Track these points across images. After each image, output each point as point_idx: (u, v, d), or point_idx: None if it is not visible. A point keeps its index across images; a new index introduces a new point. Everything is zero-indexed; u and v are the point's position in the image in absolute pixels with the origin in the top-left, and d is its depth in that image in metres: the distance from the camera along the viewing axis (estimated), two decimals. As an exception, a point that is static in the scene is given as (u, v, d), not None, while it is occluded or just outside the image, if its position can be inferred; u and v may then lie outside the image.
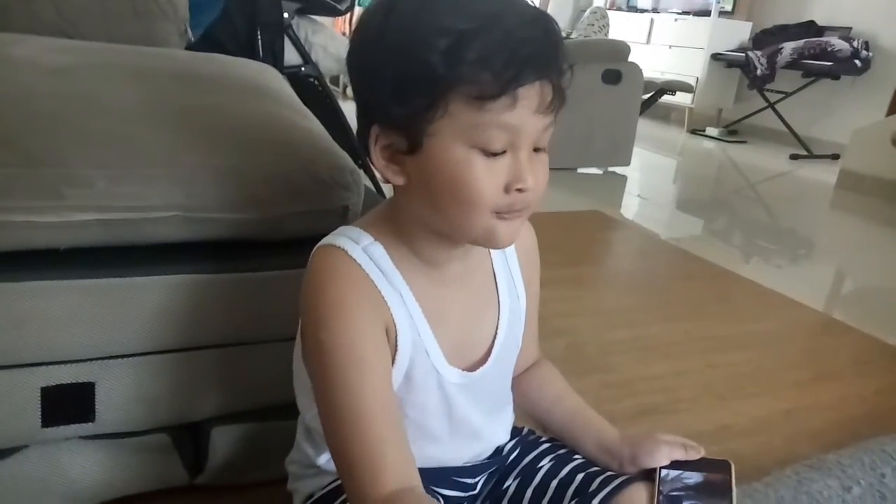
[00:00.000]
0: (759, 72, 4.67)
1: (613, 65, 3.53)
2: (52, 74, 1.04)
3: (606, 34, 4.48)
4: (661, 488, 0.73)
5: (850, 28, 4.70)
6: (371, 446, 0.62)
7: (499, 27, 0.57)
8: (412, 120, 0.59)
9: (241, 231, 0.89)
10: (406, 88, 0.58)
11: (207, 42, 1.90)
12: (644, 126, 4.30)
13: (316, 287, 0.65)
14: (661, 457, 0.76)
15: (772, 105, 4.81)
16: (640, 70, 3.65)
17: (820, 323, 1.96)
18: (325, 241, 0.69)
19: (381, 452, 0.62)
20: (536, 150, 0.63)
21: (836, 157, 4.42)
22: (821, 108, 4.82)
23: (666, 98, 4.49)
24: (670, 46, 5.52)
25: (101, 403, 0.86)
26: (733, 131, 5.25)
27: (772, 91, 4.78)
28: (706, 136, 5.27)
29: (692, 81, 5.15)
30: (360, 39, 0.64)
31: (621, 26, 5.52)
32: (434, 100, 0.58)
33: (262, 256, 0.91)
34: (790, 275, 2.49)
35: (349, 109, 1.10)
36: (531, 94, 0.59)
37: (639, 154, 3.94)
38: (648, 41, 5.68)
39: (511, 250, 0.78)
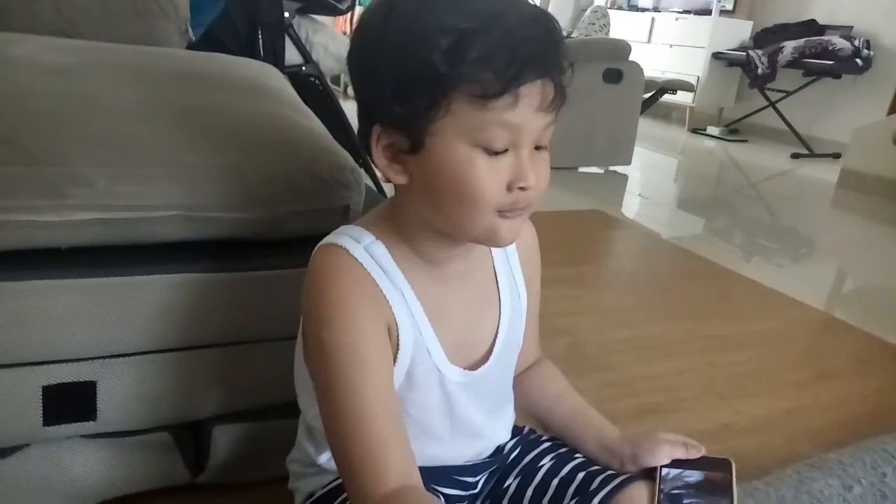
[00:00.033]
0: (760, 71, 4.66)
1: (614, 64, 3.53)
2: (53, 74, 1.04)
3: (607, 33, 4.47)
4: (661, 487, 0.73)
5: (852, 27, 4.70)
6: (372, 446, 0.62)
7: (500, 26, 0.57)
8: (414, 119, 0.59)
9: (242, 230, 0.89)
10: (407, 88, 0.58)
11: (208, 41, 1.90)
12: (645, 125, 4.30)
13: (318, 286, 0.65)
14: (661, 456, 0.76)
15: (773, 104, 4.81)
16: (641, 69, 3.64)
17: (821, 322, 1.96)
18: (326, 240, 0.69)
19: (382, 452, 0.62)
20: (538, 148, 0.63)
21: (837, 155, 4.42)
22: (822, 107, 4.82)
23: (667, 97, 4.49)
24: (671, 45, 5.52)
25: (102, 402, 0.86)
26: (734, 130, 5.24)
27: (773, 90, 4.77)
28: (707, 135, 5.27)
29: (693, 80, 5.15)
30: (361, 39, 0.64)
31: (622, 25, 5.52)
32: (436, 99, 0.58)
33: (263, 256, 0.91)
34: (791, 274, 2.48)
35: (350, 109, 1.10)
36: (533, 93, 0.59)
37: (640, 153, 3.94)
38: (649, 40, 5.68)
39: (512, 249, 0.78)
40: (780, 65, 4.61)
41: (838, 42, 4.50)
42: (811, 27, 4.88)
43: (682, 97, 5.11)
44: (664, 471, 0.75)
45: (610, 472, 0.77)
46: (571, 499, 0.75)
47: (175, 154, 0.88)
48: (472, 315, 0.75)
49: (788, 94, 4.73)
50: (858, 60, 4.48)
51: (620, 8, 6.20)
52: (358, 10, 3.75)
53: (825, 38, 4.60)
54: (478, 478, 0.80)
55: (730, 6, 5.45)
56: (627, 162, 3.70)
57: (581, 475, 0.77)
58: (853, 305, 2.27)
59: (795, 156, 4.61)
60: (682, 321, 1.84)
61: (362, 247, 0.66)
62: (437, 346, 0.70)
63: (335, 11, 2.59)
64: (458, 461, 0.78)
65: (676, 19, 5.57)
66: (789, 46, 4.60)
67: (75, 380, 0.84)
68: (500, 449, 0.82)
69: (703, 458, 0.77)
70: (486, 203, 0.61)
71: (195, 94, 1.07)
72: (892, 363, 1.70)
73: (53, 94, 0.95)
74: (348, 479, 0.64)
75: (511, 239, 0.65)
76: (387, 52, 0.59)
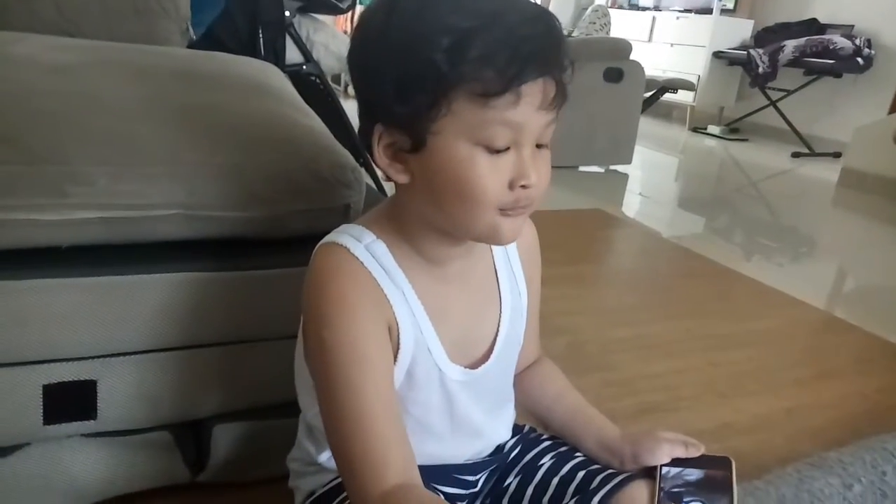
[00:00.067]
0: (760, 70, 4.66)
1: (615, 63, 3.53)
2: (54, 73, 1.04)
3: (608, 32, 4.47)
4: (662, 486, 0.73)
5: (853, 26, 4.70)
6: (372, 445, 0.62)
7: (501, 25, 0.57)
8: (415, 118, 0.59)
9: (242, 229, 0.89)
10: (409, 87, 0.58)
11: (209, 40, 1.90)
12: (646, 124, 4.30)
13: (318, 285, 0.66)
14: (661, 454, 0.76)
15: (773, 103, 4.80)
16: (642, 68, 3.64)
17: (821, 321, 1.96)
18: (327, 238, 0.69)
19: (382, 451, 0.62)
20: (539, 146, 0.63)
21: (837, 155, 4.42)
22: (822, 106, 4.82)
23: (667, 96, 4.49)
24: (672, 44, 5.51)
25: (102, 401, 0.87)
26: (735, 129, 5.24)
27: (774, 89, 4.77)
28: (708, 134, 5.27)
29: (694, 79, 5.15)
30: (362, 38, 0.64)
31: (623, 24, 5.52)
32: (437, 98, 0.58)
33: (263, 255, 0.91)
34: (792, 273, 2.48)
35: (350, 108, 1.10)
36: (534, 91, 0.59)
37: (640, 152, 3.94)
38: (650, 39, 5.67)
39: (513, 247, 0.78)
40: (780, 64, 4.61)
41: (839, 41, 4.50)
42: (812, 26, 4.88)
43: (683, 96, 5.10)
44: (664, 469, 0.75)
45: (610, 470, 0.77)
46: (572, 497, 0.76)
47: (176, 153, 0.88)
48: (473, 314, 0.75)
49: (789, 93, 4.73)
50: (859, 59, 4.48)
51: (621, 7, 6.20)
52: (358, 8, 3.75)
53: (826, 37, 4.60)
54: (478, 476, 0.80)
55: (731, 5, 5.45)
56: (628, 161, 3.70)
57: (581, 474, 0.77)
58: (854, 304, 2.27)
59: (796, 155, 4.60)
60: (682, 320, 1.84)
61: (363, 245, 0.67)
62: (437, 344, 0.70)
63: (336, 10, 2.59)
64: (459, 460, 0.78)
65: (677, 18, 5.57)
66: (790, 45, 4.59)
67: (76, 378, 0.84)
68: (500, 448, 0.82)
69: (702, 456, 0.77)
70: (488, 201, 0.61)
71: (196, 92, 1.07)
72: (893, 362, 1.70)
73: (54, 93, 0.95)
74: (348, 477, 0.64)
75: (513, 237, 0.66)
76: (388, 51, 0.59)
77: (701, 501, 0.71)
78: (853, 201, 3.61)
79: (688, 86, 4.72)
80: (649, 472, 0.75)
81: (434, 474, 0.72)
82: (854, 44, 4.48)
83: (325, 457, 0.75)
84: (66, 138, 0.85)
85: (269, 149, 0.94)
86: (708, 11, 5.38)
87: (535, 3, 0.61)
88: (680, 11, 5.64)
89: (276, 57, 2.11)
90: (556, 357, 0.91)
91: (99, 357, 0.85)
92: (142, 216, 0.83)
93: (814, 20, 4.90)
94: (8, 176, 0.78)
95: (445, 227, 0.66)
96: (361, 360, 0.63)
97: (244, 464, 0.98)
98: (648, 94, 4.08)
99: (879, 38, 4.57)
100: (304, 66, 2.24)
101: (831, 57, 4.48)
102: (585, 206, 2.91)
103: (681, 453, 0.76)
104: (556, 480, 0.78)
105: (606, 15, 4.51)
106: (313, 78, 2.26)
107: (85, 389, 0.85)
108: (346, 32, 4.48)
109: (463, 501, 0.79)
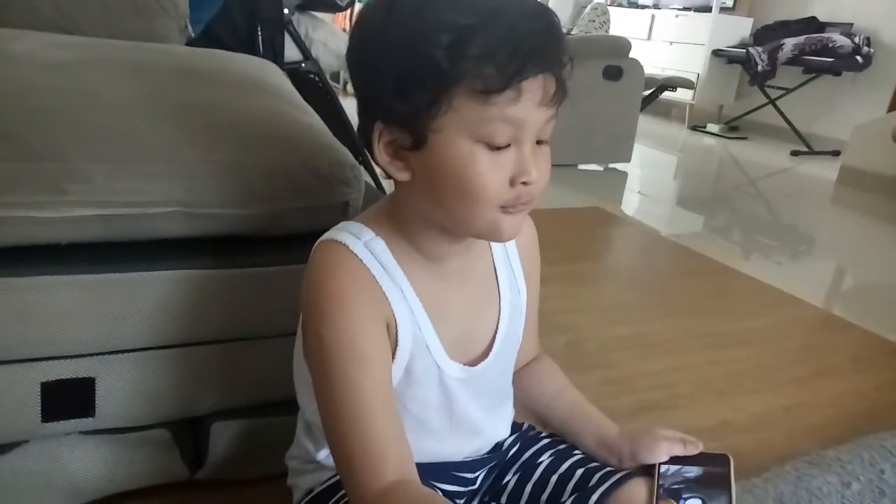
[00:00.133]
0: (759, 68, 4.66)
1: (614, 61, 3.53)
2: (52, 70, 1.03)
3: (607, 30, 4.47)
4: (660, 483, 0.73)
5: (852, 24, 4.70)
6: (370, 442, 0.62)
7: (501, 21, 0.57)
8: (416, 116, 0.59)
9: (241, 226, 0.89)
10: (409, 85, 0.58)
11: (207, 38, 1.90)
12: (645, 122, 4.30)
13: (317, 282, 0.66)
14: (660, 452, 0.76)
15: (773, 101, 4.80)
16: (641, 66, 3.64)
17: (820, 319, 1.97)
18: (326, 236, 0.69)
19: (380, 448, 0.62)
20: (539, 142, 0.63)
21: (836, 153, 4.42)
22: (822, 105, 4.82)
23: (667, 94, 4.48)
24: (671, 42, 5.51)
25: (101, 398, 0.86)
26: (734, 128, 5.24)
27: (773, 87, 4.77)
28: (707, 132, 5.27)
29: (693, 78, 5.15)
30: (361, 36, 0.63)
31: (622, 22, 5.52)
32: (437, 95, 0.58)
33: (262, 252, 0.91)
34: (790, 271, 2.49)
35: (349, 106, 1.10)
36: (535, 87, 0.59)
37: (639, 150, 3.94)
38: (649, 37, 5.67)
39: (512, 245, 0.78)
40: (780, 62, 4.61)
41: (838, 39, 4.50)
42: (811, 24, 4.88)
43: (682, 94, 5.10)
44: (663, 467, 0.75)
45: (609, 468, 0.77)
46: (570, 495, 0.76)
47: (174, 150, 0.88)
48: (472, 311, 0.75)
49: (788, 91, 4.73)
50: (858, 58, 4.48)
51: (620, 5, 6.20)
52: (357, 6, 3.75)
53: (825, 35, 4.60)
54: (477, 474, 0.80)
55: (730, 3, 5.44)
56: (627, 159, 3.70)
57: (580, 472, 0.77)
58: (852, 303, 2.27)
59: (795, 153, 4.60)
60: (681, 318, 1.84)
61: (362, 243, 0.66)
62: (436, 342, 0.70)
63: (335, 8, 2.59)
64: (458, 457, 0.78)
65: (676, 16, 5.57)
66: (789, 43, 4.59)
67: (74, 376, 0.84)
68: (499, 445, 0.82)
69: (701, 454, 0.77)
70: (489, 199, 0.61)
71: (194, 90, 1.07)
72: (891, 360, 1.70)
73: (53, 90, 0.95)
74: (346, 475, 0.64)
75: (513, 234, 0.66)
76: (388, 48, 0.59)
77: (700, 499, 0.71)
78: (852, 199, 3.62)
79: (687, 84, 4.72)
80: (648, 470, 0.76)
81: (433, 472, 0.72)
82: (853, 42, 4.48)
83: (324, 454, 0.75)
84: (64, 135, 0.85)
85: (268, 146, 0.94)
86: (707, 9, 5.37)
87: (535, 0, 0.61)
88: (679, 9, 5.64)
89: (275, 54, 2.11)
90: (556, 355, 0.91)
91: (97, 354, 0.85)
92: (140, 213, 0.83)
93: (813, 18, 4.90)
94: (7, 173, 0.78)
95: (446, 224, 0.66)
96: (360, 357, 0.64)
97: (242, 461, 0.98)
98: (647, 93, 4.08)
99: (878, 37, 4.57)
100: (303, 64, 2.24)
101: (830, 55, 4.48)
102: (584, 204, 2.91)
103: (679, 451, 0.76)
104: (554, 478, 0.78)
105: (606, 13, 4.51)
106: (312, 76, 2.26)
107: (83, 387, 0.85)
108: (344, 30, 4.48)
109: (461, 499, 0.79)
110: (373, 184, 1.69)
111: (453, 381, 0.72)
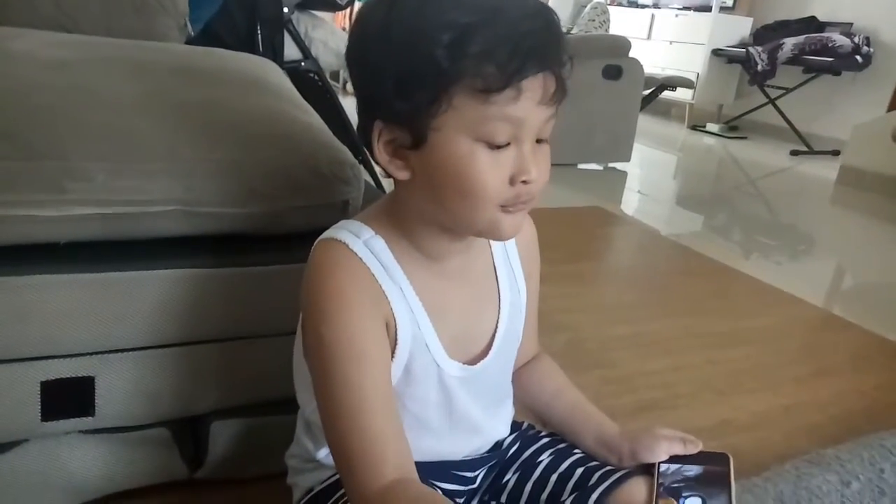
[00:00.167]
0: (759, 67, 4.66)
1: (614, 60, 3.53)
2: (52, 68, 1.03)
3: (607, 30, 4.47)
4: (660, 482, 0.73)
5: (852, 24, 4.70)
6: (370, 441, 0.62)
7: (501, 20, 0.57)
8: (416, 115, 0.59)
9: (241, 225, 0.89)
10: (409, 83, 0.58)
11: (207, 37, 1.90)
12: (644, 122, 4.30)
13: (317, 281, 0.65)
14: (660, 451, 0.76)
15: (772, 101, 4.81)
16: (641, 66, 3.64)
17: (819, 319, 1.97)
18: (326, 234, 0.69)
19: (379, 447, 0.62)
20: (539, 141, 0.63)
21: (836, 153, 4.42)
22: (821, 104, 4.82)
23: (666, 94, 4.48)
24: (671, 42, 5.51)
25: (100, 398, 0.86)
26: (734, 127, 5.24)
27: (772, 87, 4.77)
28: (706, 132, 5.27)
29: (693, 77, 5.15)
30: (361, 34, 0.63)
31: (622, 22, 5.51)
32: (438, 94, 0.58)
33: (262, 251, 0.91)
34: (790, 271, 2.49)
35: (349, 105, 1.10)
36: (535, 86, 0.59)
37: (639, 150, 3.94)
38: (649, 37, 5.67)
39: (511, 244, 0.78)
40: (779, 61, 4.61)
41: (838, 39, 4.50)
42: (811, 24, 4.88)
43: (682, 94, 5.10)
44: (663, 466, 0.75)
45: (608, 467, 0.77)
46: (570, 494, 0.76)
47: (174, 149, 0.88)
48: (472, 310, 0.75)
49: (788, 90, 4.73)
50: (858, 57, 4.48)
51: (620, 4, 6.20)
52: (357, 5, 3.75)
53: (825, 34, 4.60)
54: (476, 473, 0.80)
55: (729, 3, 5.44)
56: (627, 159, 3.70)
57: (580, 471, 0.77)
58: (852, 302, 2.27)
59: (795, 153, 4.61)
60: (681, 318, 1.84)
61: (362, 241, 0.66)
62: (435, 340, 0.70)
63: (334, 7, 2.59)
64: (457, 456, 0.78)
65: (676, 16, 5.57)
66: (789, 43, 4.59)
67: (73, 375, 0.84)
68: (498, 444, 0.82)
69: (701, 453, 0.77)
70: (489, 197, 0.61)
71: (194, 89, 1.07)
72: (891, 360, 1.70)
73: (53, 89, 0.95)
74: (346, 474, 0.64)
75: (513, 233, 0.65)
76: (388, 47, 0.59)
77: (699, 497, 0.71)
78: (852, 199, 3.62)
79: (686, 83, 4.72)
80: (648, 469, 0.76)
81: (432, 470, 0.72)
82: (853, 42, 4.48)
83: (324, 453, 0.75)
84: (64, 134, 0.85)
85: (268, 145, 0.94)
86: (707, 9, 5.37)
87: (535, -1, 0.61)
88: (679, 9, 5.64)
89: (275, 53, 2.11)
90: (556, 354, 0.91)
91: (97, 353, 0.85)
92: (140, 212, 0.83)
93: (813, 18, 4.90)
94: (6, 172, 0.78)
95: (446, 222, 0.66)
96: (359, 356, 0.64)
97: (242, 460, 0.98)
98: (647, 92, 4.08)
99: (878, 36, 4.57)
100: (303, 63, 2.23)
101: (830, 55, 4.48)
102: (584, 203, 2.91)
103: (679, 450, 0.76)
104: (554, 477, 0.78)
105: (605, 12, 4.51)
106: (312, 74, 2.26)
107: (83, 386, 0.85)
108: (344, 29, 4.48)
109: (461, 498, 0.79)
110: (372, 183, 1.69)
111: (453, 379, 0.72)
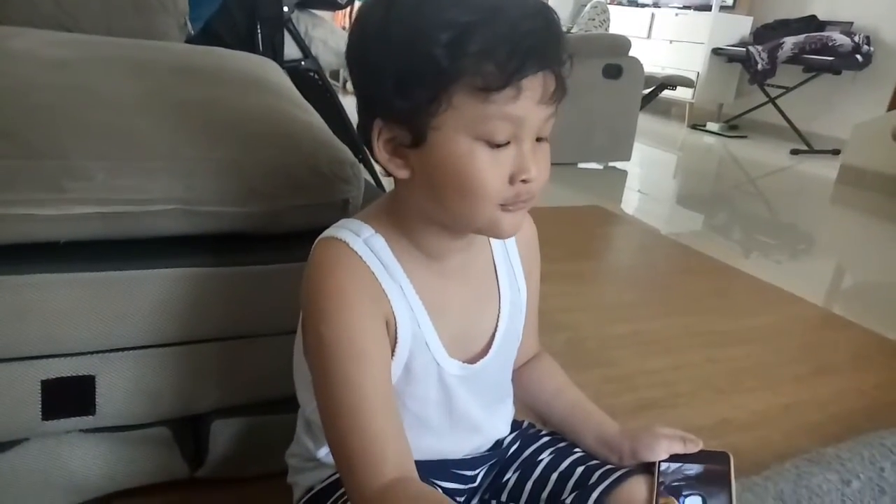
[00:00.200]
0: (759, 66, 4.66)
1: (614, 59, 3.53)
2: (52, 67, 1.03)
3: (607, 29, 4.47)
4: (660, 481, 0.73)
5: (852, 23, 4.69)
6: (370, 440, 0.62)
7: (501, 19, 0.57)
8: (416, 114, 0.59)
9: (241, 224, 0.89)
10: (409, 82, 0.58)
11: (207, 36, 1.90)
12: (644, 121, 4.29)
13: (317, 280, 0.65)
14: (660, 450, 0.76)
15: (772, 100, 4.80)
16: (641, 65, 3.64)
17: (819, 318, 1.97)
18: (326, 233, 0.69)
19: (379, 446, 0.62)
20: (539, 140, 0.63)
21: (836, 152, 4.42)
22: (821, 103, 4.82)
23: (666, 93, 4.48)
24: (671, 41, 5.51)
25: (101, 396, 0.86)
26: (734, 126, 5.24)
27: (772, 86, 4.77)
28: (707, 131, 5.27)
29: (693, 76, 5.15)
30: (360, 33, 0.63)
31: (622, 21, 5.52)
32: (437, 93, 0.58)
33: (262, 250, 0.91)
34: (790, 270, 2.49)
35: (349, 104, 1.10)
36: (534, 85, 0.59)
37: (639, 149, 3.94)
38: (649, 36, 5.67)
39: (511, 242, 0.78)
40: (779, 61, 4.61)
41: (838, 38, 4.49)
42: (811, 23, 4.88)
43: (682, 93, 5.09)
44: (663, 465, 0.75)
45: (609, 466, 0.77)
46: (570, 493, 0.76)
47: (174, 148, 0.88)
48: (472, 308, 0.75)
49: (788, 90, 4.73)
50: (858, 56, 4.47)
51: (620, 3, 6.19)
52: (357, 4, 3.74)
53: (825, 33, 4.60)
54: (477, 471, 0.80)
55: (730, 2, 5.44)
56: (627, 158, 3.70)
57: (580, 469, 0.77)
58: (852, 301, 2.27)
59: (795, 152, 4.60)
60: (681, 317, 1.84)
61: (362, 240, 0.66)
62: (435, 339, 0.70)
63: (334, 6, 2.59)
64: (457, 455, 0.78)
65: (676, 15, 5.56)
66: (789, 42, 4.59)
67: (74, 374, 0.84)
68: (499, 443, 0.82)
69: (701, 452, 0.77)
70: (489, 196, 0.61)
71: (194, 88, 1.07)
72: (891, 359, 1.70)
73: (53, 88, 0.95)
74: (346, 473, 0.64)
75: (513, 231, 0.65)
76: (387, 46, 0.59)
77: (700, 496, 0.71)
78: (852, 198, 3.62)
79: (687, 82, 4.72)
80: (648, 468, 0.76)
81: (432, 469, 0.72)
82: (853, 41, 4.48)
83: (324, 452, 0.75)
84: (64, 133, 0.85)
85: (268, 144, 0.94)
86: (707, 8, 5.37)
87: (535, -2, 0.61)
88: (679, 8, 5.64)
89: (275, 52, 2.11)
90: (556, 353, 0.91)
91: (97, 352, 0.85)
92: (140, 211, 0.83)
93: (813, 17, 4.90)
94: (6, 171, 0.78)
95: (445, 221, 0.66)
96: (359, 355, 0.64)
97: (243, 459, 0.98)
98: (647, 91, 4.08)
99: (878, 35, 4.57)
100: (303, 62, 2.23)
101: (830, 54, 4.48)
102: (584, 202, 2.91)
103: (679, 449, 0.76)
104: (554, 476, 0.78)
105: (605, 11, 4.51)
106: (312, 74, 2.26)
107: (83, 385, 0.85)
108: (344, 28, 4.47)
109: (461, 496, 0.79)
110: (372, 181, 1.69)
111: (453, 378, 0.72)
